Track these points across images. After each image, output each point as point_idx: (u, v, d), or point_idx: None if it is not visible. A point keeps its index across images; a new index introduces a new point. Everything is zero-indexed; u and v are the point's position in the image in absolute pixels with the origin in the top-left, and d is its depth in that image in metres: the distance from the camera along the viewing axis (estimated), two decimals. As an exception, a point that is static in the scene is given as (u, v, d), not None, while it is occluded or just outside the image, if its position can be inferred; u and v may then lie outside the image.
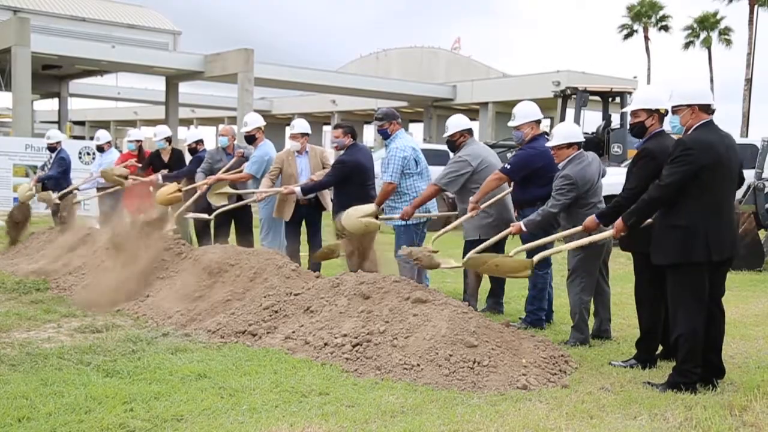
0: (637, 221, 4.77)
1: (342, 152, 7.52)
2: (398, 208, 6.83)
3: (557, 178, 5.80)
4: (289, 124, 8.96)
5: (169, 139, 9.65)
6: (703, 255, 4.50)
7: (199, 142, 9.23)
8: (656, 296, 5.05)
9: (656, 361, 5.15)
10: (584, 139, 6.05)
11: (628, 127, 5.37)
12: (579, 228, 5.27)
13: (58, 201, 10.14)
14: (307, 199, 7.65)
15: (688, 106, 4.60)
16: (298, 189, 7.44)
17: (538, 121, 6.43)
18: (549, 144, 5.98)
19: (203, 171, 8.54)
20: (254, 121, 8.32)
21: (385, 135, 7.01)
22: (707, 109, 4.61)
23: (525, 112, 6.39)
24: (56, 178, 10.44)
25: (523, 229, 5.82)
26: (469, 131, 6.79)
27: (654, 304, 5.11)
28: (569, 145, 5.85)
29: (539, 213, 5.80)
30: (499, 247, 6.24)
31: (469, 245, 6.44)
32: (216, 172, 8.38)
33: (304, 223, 7.96)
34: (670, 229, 4.57)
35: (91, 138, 14.35)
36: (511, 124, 6.44)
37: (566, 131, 5.95)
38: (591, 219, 5.14)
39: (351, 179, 7.26)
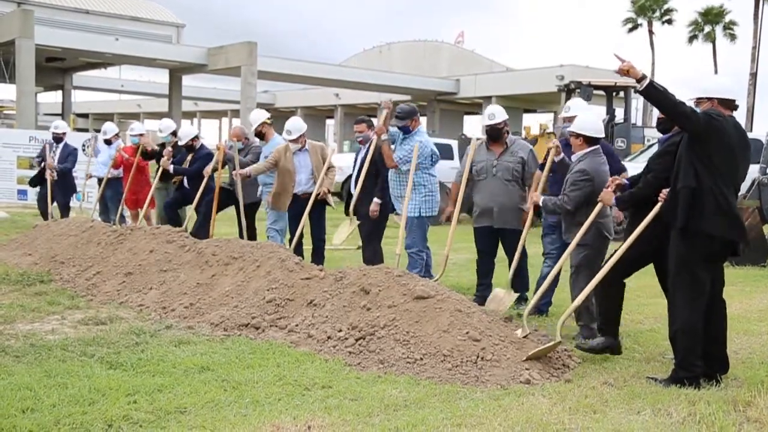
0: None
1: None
2: (410, 200, 6.96)
3: (572, 172, 5.56)
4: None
5: (174, 133, 9.66)
6: (703, 254, 4.50)
7: (195, 138, 9.19)
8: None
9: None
10: (604, 135, 5.84)
11: (655, 123, 5.29)
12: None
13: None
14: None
15: (708, 99, 4.57)
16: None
17: None
18: (570, 129, 5.71)
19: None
20: (257, 119, 8.51)
21: (406, 131, 7.16)
22: (730, 104, 4.59)
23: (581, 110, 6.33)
24: (69, 171, 10.56)
25: (540, 203, 5.71)
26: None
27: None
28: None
29: (555, 202, 5.59)
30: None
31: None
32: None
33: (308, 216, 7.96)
34: (678, 231, 4.56)
35: (96, 130, 14.33)
36: (566, 114, 6.35)
37: (594, 126, 5.64)
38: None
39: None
